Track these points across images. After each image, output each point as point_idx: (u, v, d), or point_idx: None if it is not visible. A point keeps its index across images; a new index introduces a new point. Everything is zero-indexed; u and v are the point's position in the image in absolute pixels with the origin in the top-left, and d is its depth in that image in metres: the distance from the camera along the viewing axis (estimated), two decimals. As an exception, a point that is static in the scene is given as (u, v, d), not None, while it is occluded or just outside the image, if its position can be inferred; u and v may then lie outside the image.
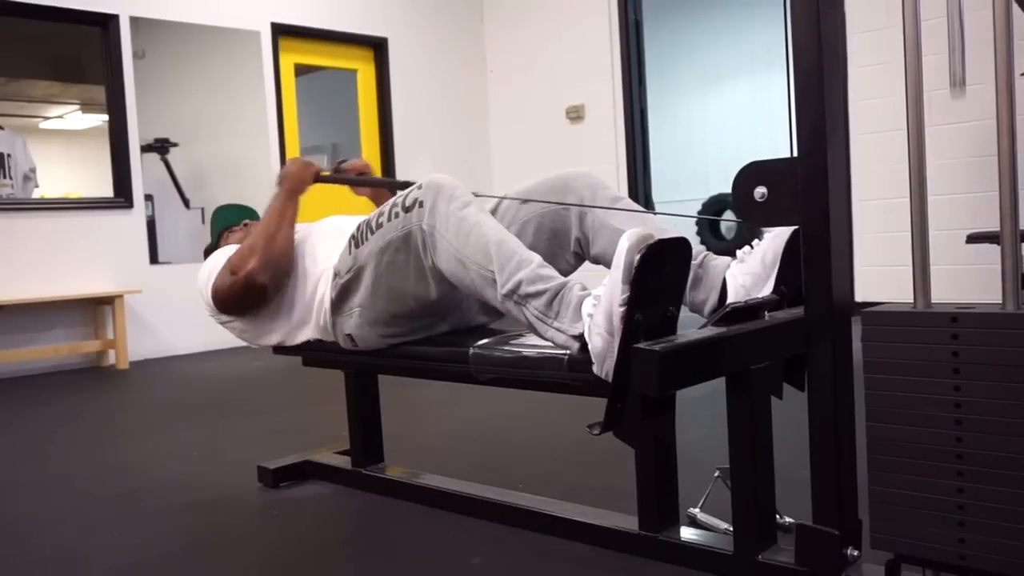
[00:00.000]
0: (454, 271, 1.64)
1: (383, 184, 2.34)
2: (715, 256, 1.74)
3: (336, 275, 1.86)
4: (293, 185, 2.06)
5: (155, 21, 5.34)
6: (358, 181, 2.24)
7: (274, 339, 2.06)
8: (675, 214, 1.96)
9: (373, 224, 1.78)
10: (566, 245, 1.87)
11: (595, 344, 1.38)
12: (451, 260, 1.63)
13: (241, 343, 2.15)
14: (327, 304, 1.89)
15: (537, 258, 1.56)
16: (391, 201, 1.76)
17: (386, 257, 1.75)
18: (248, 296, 1.98)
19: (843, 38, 1.26)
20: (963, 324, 1.09)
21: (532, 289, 1.51)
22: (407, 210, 1.70)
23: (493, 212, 1.86)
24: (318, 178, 2.14)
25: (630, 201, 1.88)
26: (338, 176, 2.23)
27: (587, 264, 1.90)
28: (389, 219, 1.74)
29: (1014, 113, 1.09)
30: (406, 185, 2.04)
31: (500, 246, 1.57)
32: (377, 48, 6.54)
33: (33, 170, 5.16)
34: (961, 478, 1.11)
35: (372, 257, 1.77)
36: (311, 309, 1.97)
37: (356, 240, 1.82)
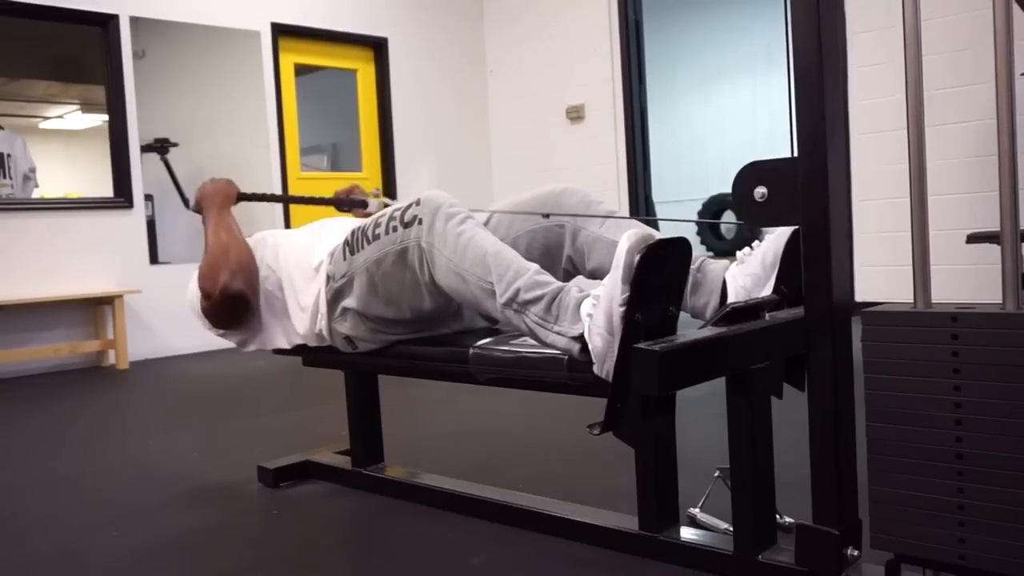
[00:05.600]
0: (454, 286, 1.65)
1: (305, 202, 2.35)
2: (712, 260, 1.75)
3: (330, 279, 1.87)
4: (220, 201, 2.10)
5: (155, 21, 5.34)
6: (278, 199, 2.37)
7: (265, 344, 2.08)
8: (674, 219, 1.96)
9: (369, 234, 1.78)
10: (558, 261, 1.87)
11: (595, 344, 1.38)
12: (450, 275, 1.64)
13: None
14: (323, 308, 1.89)
15: (534, 266, 1.56)
16: (388, 212, 1.76)
17: (382, 268, 1.75)
18: (232, 307, 2.00)
19: (843, 38, 1.26)
20: (963, 324, 1.09)
21: (530, 296, 1.51)
22: (406, 225, 1.71)
23: (485, 226, 1.86)
24: (240, 196, 2.18)
25: (624, 215, 1.88)
26: (260, 195, 2.25)
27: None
28: (387, 232, 1.74)
29: (1014, 113, 1.09)
30: (348, 202, 2.20)
31: (497, 257, 1.58)
32: (377, 48, 6.54)
33: (33, 170, 5.16)
34: (961, 478, 1.11)
35: (367, 265, 1.77)
36: (301, 314, 1.98)
37: (351, 246, 1.82)
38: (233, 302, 1.98)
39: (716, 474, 1.65)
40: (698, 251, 1.66)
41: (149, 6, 5.31)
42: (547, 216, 1.83)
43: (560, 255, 1.87)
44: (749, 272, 1.63)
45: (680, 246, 1.34)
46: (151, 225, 5.32)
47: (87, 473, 2.52)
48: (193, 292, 2.09)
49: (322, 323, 1.90)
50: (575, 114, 6.63)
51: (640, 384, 1.23)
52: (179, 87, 5.48)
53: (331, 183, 6.39)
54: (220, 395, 3.92)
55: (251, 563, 1.73)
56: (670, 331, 1.36)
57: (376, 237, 1.76)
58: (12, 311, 4.70)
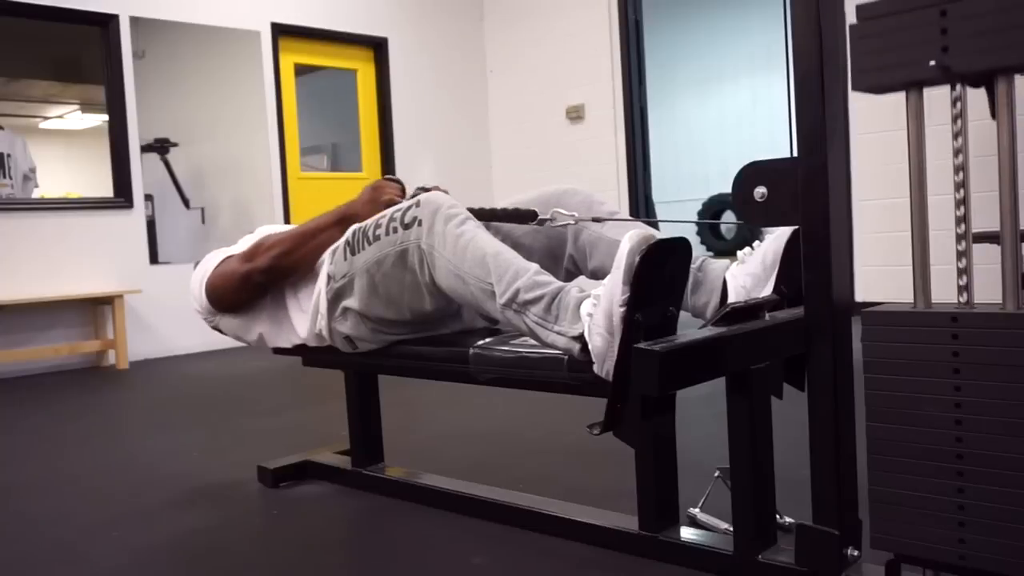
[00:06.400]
0: (454, 287, 1.65)
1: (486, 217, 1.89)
2: (713, 259, 1.75)
3: (331, 279, 1.86)
4: (351, 211, 1.93)
5: (155, 21, 5.34)
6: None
7: (260, 338, 2.06)
8: (674, 220, 1.97)
9: (370, 234, 1.77)
10: (560, 261, 1.87)
11: (595, 344, 1.38)
12: (450, 276, 1.64)
13: (241, 343, 2.16)
14: (323, 308, 1.89)
15: (534, 266, 1.56)
16: (389, 213, 1.76)
17: (382, 269, 1.75)
18: (241, 290, 1.97)
19: (843, 38, 1.26)
20: (963, 324, 1.09)
21: (530, 296, 1.51)
22: (406, 227, 1.70)
23: (488, 228, 1.85)
24: (389, 207, 1.91)
25: (624, 215, 1.88)
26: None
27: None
28: (387, 233, 1.74)
29: (1014, 113, 1.09)
30: (517, 214, 1.85)
31: (497, 258, 1.58)
32: (377, 48, 6.54)
33: (33, 170, 5.16)
34: (961, 478, 1.11)
35: (367, 266, 1.77)
36: (301, 314, 1.97)
37: (351, 247, 1.82)
38: (245, 286, 1.96)
39: (716, 474, 1.65)
40: (698, 251, 1.66)
41: (149, 6, 5.31)
42: (542, 224, 1.80)
43: (562, 255, 1.87)
44: (749, 272, 1.63)
45: (680, 246, 1.34)
46: (151, 225, 5.32)
47: (87, 473, 2.52)
48: (196, 277, 2.06)
49: (322, 323, 1.90)
50: (575, 114, 6.63)
51: (640, 384, 1.23)
52: (179, 87, 5.48)
53: (331, 183, 6.40)
54: (220, 395, 3.92)
55: (251, 563, 1.73)
56: (670, 331, 1.36)
57: (376, 238, 1.76)
58: (12, 311, 4.70)
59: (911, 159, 1.17)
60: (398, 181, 2.00)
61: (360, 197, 1.97)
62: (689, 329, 1.35)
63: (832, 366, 1.28)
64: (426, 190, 2.02)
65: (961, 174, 1.12)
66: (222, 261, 2.02)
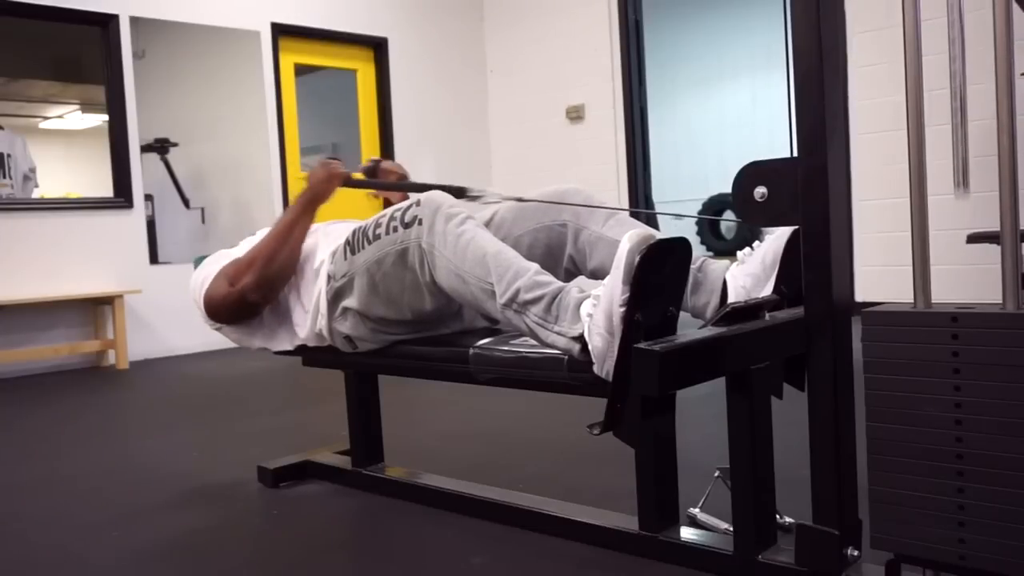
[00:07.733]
0: (454, 286, 1.65)
1: (415, 188, 2.06)
2: (713, 260, 1.75)
3: (331, 278, 1.87)
4: (314, 195, 2.00)
5: (155, 21, 5.34)
6: (390, 186, 2.14)
7: (264, 343, 2.07)
8: (674, 214, 1.96)
9: (370, 233, 1.77)
10: (560, 261, 1.87)
11: (595, 344, 1.38)
12: (450, 276, 1.64)
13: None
14: (323, 308, 1.89)
15: (535, 266, 1.56)
16: (389, 213, 1.76)
17: (382, 268, 1.75)
18: (240, 309, 1.98)
19: (843, 38, 1.26)
20: (963, 324, 1.09)
21: (530, 296, 1.51)
22: (406, 226, 1.71)
23: (488, 226, 1.86)
24: (347, 182, 2.05)
25: (625, 215, 1.88)
26: (370, 181, 2.13)
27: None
28: (387, 232, 1.74)
29: (1014, 113, 1.09)
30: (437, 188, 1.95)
31: (497, 257, 1.58)
32: (377, 48, 6.54)
33: (33, 170, 5.16)
34: (961, 478, 1.11)
35: (367, 266, 1.77)
36: (302, 315, 1.97)
37: (351, 247, 1.82)
38: (243, 307, 1.97)
39: (716, 474, 1.65)
40: (698, 251, 1.66)
41: (149, 6, 5.31)
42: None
43: (562, 255, 1.87)
44: (749, 272, 1.63)
45: (680, 246, 1.34)
46: (151, 225, 5.32)
47: (87, 473, 2.52)
48: (197, 282, 2.07)
49: (322, 323, 1.90)
50: (575, 114, 6.63)
51: (640, 384, 1.23)
52: (179, 87, 5.48)
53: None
54: (220, 395, 3.92)
55: (251, 563, 1.73)
56: (670, 331, 1.36)
57: (377, 237, 1.76)
58: (12, 311, 4.70)
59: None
60: (337, 158, 2.12)
61: (313, 180, 2.02)
62: (689, 329, 1.35)
63: (832, 366, 1.28)
64: (376, 162, 2.16)
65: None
66: (215, 277, 2.01)
